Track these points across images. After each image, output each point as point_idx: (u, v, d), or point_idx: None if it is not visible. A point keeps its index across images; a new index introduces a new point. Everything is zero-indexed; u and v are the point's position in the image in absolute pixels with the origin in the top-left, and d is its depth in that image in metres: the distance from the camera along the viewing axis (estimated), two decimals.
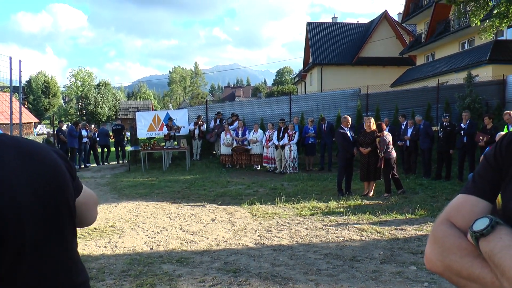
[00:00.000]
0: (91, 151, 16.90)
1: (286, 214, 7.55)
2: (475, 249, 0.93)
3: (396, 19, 36.16)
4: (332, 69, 33.01)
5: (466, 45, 24.37)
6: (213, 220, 7.33)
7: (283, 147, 13.23)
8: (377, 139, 8.88)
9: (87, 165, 16.34)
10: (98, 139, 17.30)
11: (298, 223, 6.92)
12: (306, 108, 16.30)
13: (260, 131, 14.40)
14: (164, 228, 6.85)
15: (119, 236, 6.41)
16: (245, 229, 6.66)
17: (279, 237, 6.16)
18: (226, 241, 6.02)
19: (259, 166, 14.26)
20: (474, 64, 19.49)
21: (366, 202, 8.48)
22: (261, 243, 5.87)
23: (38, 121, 43.30)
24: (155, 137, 15.98)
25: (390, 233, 6.17)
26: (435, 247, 1.00)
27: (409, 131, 11.82)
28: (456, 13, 21.56)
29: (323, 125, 13.77)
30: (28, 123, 32.50)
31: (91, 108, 48.47)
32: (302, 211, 7.77)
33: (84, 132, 16.01)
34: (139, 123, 16.21)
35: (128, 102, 50.07)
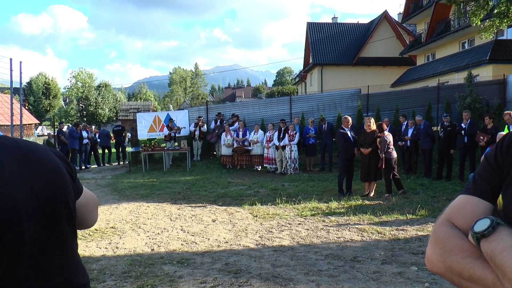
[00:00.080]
0: (92, 152, 16.91)
1: (287, 215, 7.55)
2: (476, 250, 0.93)
3: (396, 19, 36.16)
4: (333, 70, 33.01)
5: (466, 44, 24.36)
6: (214, 221, 7.33)
7: (283, 147, 13.22)
8: (378, 139, 8.88)
9: (88, 166, 16.35)
10: (99, 140, 17.32)
11: (299, 224, 6.92)
12: (307, 109, 16.30)
13: (260, 131, 14.40)
14: (165, 229, 6.85)
15: (120, 237, 6.41)
16: (246, 230, 6.66)
17: (280, 237, 6.15)
18: (227, 242, 6.01)
19: (260, 167, 14.26)
20: (474, 64, 19.48)
21: (367, 202, 8.47)
22: (262, 244, 5.87)
23: (39, 122, 43.34)
24: (155, 138, 15.99)
25: (391, 234, 6.16)
26: (436, 248, 1.00)
27: (410, 131, 11.82)
28: (456, 13, 21.56)
29: (323, 126, 13.77)
30: (28, 124, 32.52)
31: (91, 109, 48.49)
32: (303, 211, 7.76)
33: (84, 133, 16.02)
34: (140, 124, 16.22)
35: (129, 103, 50.09)
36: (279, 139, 13.32)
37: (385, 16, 33.77)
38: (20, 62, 11.05)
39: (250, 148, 14.24)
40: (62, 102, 64.20)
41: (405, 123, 12.26)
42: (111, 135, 18.19)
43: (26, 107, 44.30)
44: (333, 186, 10.13)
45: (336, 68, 33.03)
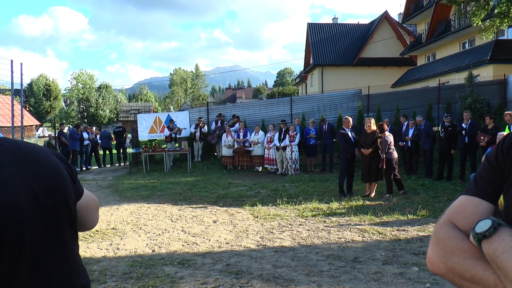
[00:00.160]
0: (93, 154, 16.92)
1: (287, 216, 7.54)
2: (477, 251, 0.92)
3: (397, 20, 36.15)
4: (333, 70, 33.01)
5: (467, 45, 24.35)
6: (214, 221, 7.32)
7: (284, 148, 13.22)
8: (379, 139, 8.87)
9: (89, 167, 16.36)
10: (100, 141, 17.34)
11: (300, 225, 6.91)
12: (307, 109, 16.29)
13: (261, 132, 14.41)
14: (165, 230, 6.85)
15: (121, 238, 6.41)
16: (246, 230, 6.66)
17: (281, 238, 6.15)
18: (227, 243, 6.01)
19: (261, 168, 14.26)
20: (475, 64, 19.48)
21: (367, 203, 8.47)
22: (263, 245, 5.86)
23: (40, 124, 43.37)
24: (156, 139, 15.99)
25: (392, 234, 6.15)
26: (438, 249, 1.00)
27: (410, 132, 11.81)
28: (457, 13, 21.55)
29: (324, 126, 13.76)
30: (29, 126, 32.55)
31: (92, 110, 48.53)
32: (303, 212, 7.76)
33: (85, 135, 16.04)
34: (140, 125, 16.22)
35: (129, 104, 50.18)
36: (280, 140, 13.32)
37: (385, 16, 33.77)
38: (21, 64, 11.05)
39: (250, 149, 14.24)
40: (63, 104, 64.26)
41: (406, 123, 12.25)
42: (112, 136, 18.20)
43: (27, 109, 44.34)
44: (334, 187, 10.12)
45: (336, 69, 33.04)
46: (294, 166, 13.15)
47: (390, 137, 8.97)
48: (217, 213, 7.95)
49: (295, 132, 13.24)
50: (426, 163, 11.46)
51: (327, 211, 7.79)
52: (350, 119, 9.64)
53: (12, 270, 1.06)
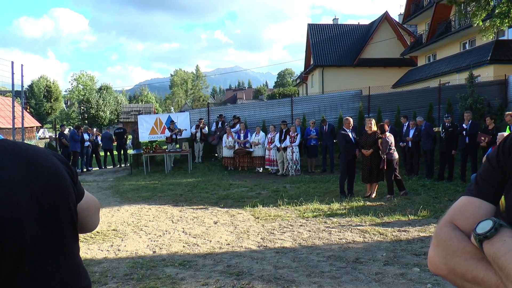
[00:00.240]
0: (93, 155, 16.93)
1: (288, 216, 7.54)
2: (479, 251, 0.92)
3: (397, 20, 36.17)
4: (334, 71, 33.01)
5: (467, 45, 24.34)
6: (215, 223, 7.32)
7: (285, 149, 13.22)
8: (379, 140, 8.87)
9: (89, 168, 16.37)
10: (101, 143, 17.35)
11: (301, 225, 6.91)
12: (308, 110, 16.29)
13: (262, 133, 14.41)
14: (166, 231, 6.85)
15: (122, 240, 6.41)
16: (247, 231, 6.65)
17: (281, 239, 6.15)
18: (228, 244, 6.01)
19: (261, 169, 14.26)
20: (475, 64, 19.47)
21: (368, 203, 8.46)
22: (263, 246, 5.86)
23: (40, 125, 43.38)
24: (157, 140, 15.99)
25: (393, 235, 6.15)
26: (439, 250, 1.00)
27: (411, 132, 11.80)
28: (457, 14, 21.55)
29: (324, 127, 13.75)
30: (30, 127, 32.56)
31: (93, 112, 48.59)
32: (304, 213, 7.75)
33: (86, 136, 16.05)
34: (141, 126, 16.22)
35: (130, 105, 50.17)
36: (281, 141, 13.32)
37: (385, 17, 33.78)
38: (22, 65, 11.07)
39: (251, 150, 14.24)
40: (64, 105, 64.33)
41: (406, 124, 12.25)
42: (113, 137, 18.21)
43: (28, 110, 44.36)
44: (334, 188, 10.12)
45: (337, 70, 33.04)
46: (294, 167, 13.15)
47: (390, 138, 8.97)
48: (218, 214, 7.95)
49: (296, 133, 13.23)
50: (426, 163, 11.45)
51: (328, 212, 7.79)
52: (351, 120, 9.63)
53: (13, 272, 1.06)
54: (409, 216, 7.20)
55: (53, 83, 57.78)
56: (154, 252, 5.75)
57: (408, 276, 4.49)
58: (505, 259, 0.84)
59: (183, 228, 6.99)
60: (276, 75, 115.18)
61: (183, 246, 5.95)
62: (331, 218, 7.34)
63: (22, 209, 1.07)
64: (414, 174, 11.73)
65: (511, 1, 13.73)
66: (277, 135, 13.53)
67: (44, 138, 35.02)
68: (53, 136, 18.61)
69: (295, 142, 13.11)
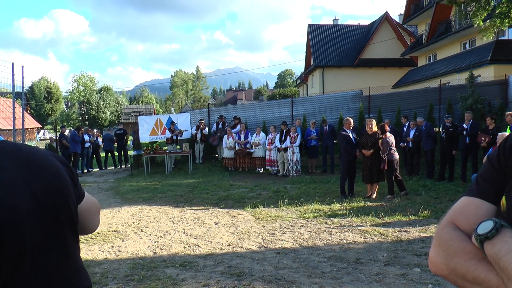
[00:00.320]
0: (94, 156, 16.93)
1: (289, 217, 7.54)
2: (480, 252, 0.92)
3: (397, 20, 36.17)
4: (334, 71, 33.01)
5: (467, 45, 24.33)
6: (216, 223, 7.32)
7: (285, 149, 13.21)
8: (380, 140, 8.87)
9: (90, 170, 16.37)
10: (103, 144, 17.35)
11: (302, 226, 6.91)
12: (308, 111, 16.29)
13: (262, 134, 14.41)
14: (167, 232, 6.85)
15: (122, 241, 6.41)
16: (248, 232, 6.65)
17: (282, 240, 6.14)
18: (229, 245, 6.01)
19: (262, 169, 14.25)
20: (476, 65, 19.47)
21: (369, 204, 8.46)
22: (264, 246, 5.86)
23: (41, 126, 43.43)
24: (157, 141, 16.00)
25: (393, 235, 6.14)
26: (440, 250, 1.00)
27: (412, 133, 11.80)
28: (457, 14, 21.55)
29: (325, 127, 13.75)
30: (30, 128, 32.59)
31: (93, 113, 48.61)
32: (305, 213, 7.75)
33: (86, 137, 16.05)
34: (141, 127, 16.22)
35: (130, 106, 50.19)
36: (281, 141, 13.31)
37: (386, 17, 33.78)
38: (22, 67, 11.07)
39: (252, 150, 14.24)
40: (64, 106, 64.34)
41: (407, 124, 12.25)
42: (114, 138, 18.22)
43: (28, 111, 44.42)
44: (335, 188, 10.11)
45: (337, 70, 33.04)
46: (295, 167, 13.15)
47: (391, 138, 8.96)
48: (218, 215, 7.95)
49: (296, 134, 13.23)
50: (427, 164, 11.44)
51: (329, 213, 7.78)
52: (351, 120, 9.63)
53: (13, 273, 1.06)
54: (410, 217, 7.20)
55: (53, 84, 57.81)
56: (155, 253, 5.75)
57: (409, 277, 4.49)
58: (506, 260, 0.83)
59: (184, 229, 6.99)
60: (277, 75, 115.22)
61: (184, 247, 5.95)
62: (331, 218, 7.33)
63: (22, 210, 1.07)
64: (415, 174, 11.73)
65: (511, 1, 13.72)
66: (278, 136, 13.52)
67: (45, 139, 35.04)
68: (54, 137, 18.60)
69: (295, 142, 13.10)
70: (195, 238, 6.41)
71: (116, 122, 48.29)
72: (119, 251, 5.88)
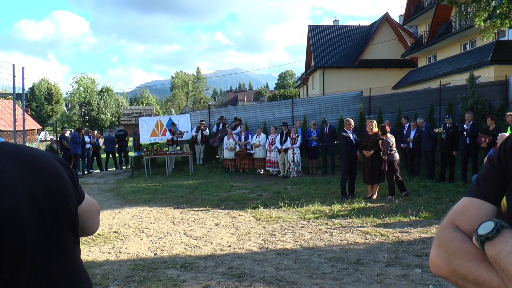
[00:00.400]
0: (94, 157, 16.93)
1: (290, 218, 7.53)
2: (480, 253, 0.92)
3: (398, 21, 36.17)
4: (334, 72, 33.02)
5: (468, 46, 24.33)
6: (216, 224, 7.32)
7: (286, 150, 13.21)
8: (380, 141, 8.86)
9: (90, 171, 16.37)
10: (104, 145, 17.36)
11: (302, 227, 6.90)
12: (309, 112, 16.29)
13: (262, 135, 14.40)
14: (168, 233, 6.85)
15: (123, 242, 6.41)
16: (249, 233, 6.65)
17: (283, 241, 6.14)
18: (230, 246, 6.00)
19: (262, 170, 14.25)
20: (476, 65, 19.45)
21: (370, 205, 8.45)
22: (265, 247, 5.86)
23: (41, 128, 43.47)
24: (158, 143, 16.00)
25: (394, 236, 6.14)
26: (440, 251, 1.00)
27: (412, 133, 11.80)
28: (458, 14, 21.55)
29: (325, 128, 13.75)
30: (31, 130, 32.61)
31: (93, 114, 48.62)
32: (306, 214, 7.75)
33: (87, 138, 16.05)
34: (142, 128, 16.23)
35: (131, 107, 50.26)
36: (281, 142, 13.31)
37: (386, 18, 33.79)
38: (23, 68, 11.08)
39: (252, 151, 14.24)
40: (65, 108, 64.36)
41: (407, 125, 12.25)
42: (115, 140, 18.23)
43: (29, 113, 44.44)
44: (336, 189, 10.11)
45: (337, 71, 33.04)
46: (296, 168, 13.15)
47: (392, 139, 8.96)
48: (219, 216, 7.94)
49: (297, 135, 13.23)
50: (427, 164, 11.44)
51: (329, 213, 7.78)
52: (352, 121, 9.63)
53: (13, 274, 1.06)
54: (411, 217, 7.19)
55: (54, 86, 57.85)
56: (156, 254, 5.75)
57: (410, 277, 4.49)
58: (507, 261, 0.83)
59: (184, 230, 6.99)
60: (277, 76, 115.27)
61: (184, 248, 5.95)
62: (332, 219, 7.33)
63: (23, 211, 1.07)
64: (415, 175, 11.72)
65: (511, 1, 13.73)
66: (278, 137, 13.52)
67: (45, 140, 35.08)
68: (54, 139, 18.62)
69: (296, 143, 13.10)
70: (196, 239, 6.40)
71: (117, 123, 48.32)
72: (120, 252, 5.88)
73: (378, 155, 8.90)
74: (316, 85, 34.74)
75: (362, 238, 6.11)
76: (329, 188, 10.57)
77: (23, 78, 11.05)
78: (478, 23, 14.85)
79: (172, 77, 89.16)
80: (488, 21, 15.11)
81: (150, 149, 14.86)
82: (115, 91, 65.99)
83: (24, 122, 11.93)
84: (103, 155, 17.73)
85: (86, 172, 16.05)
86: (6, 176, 1.09)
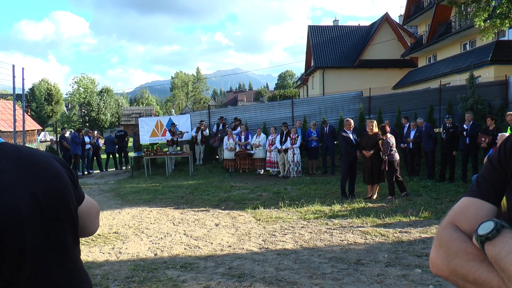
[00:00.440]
0: (94, 158, 16.93)
1: (290, 218, 7.53)
2: (480, 253, 0.92)
3: (397, 21, 36.16)
4: (334, 72, 33.02)
5: (467, 46, 24.33)
6: (216, 225, 7.32)
7: (286, 151, 13.21)
8: (380, 141, 8.86)
9: (90, 171, 16.37)
10: (105, 146, 17.35)
11: (302, 227, 6.90)
12: (309, 112, 16.29)
13: (262, 135, 14.40)
14: (167, 233, 6.84)
15: (123, 242, 6.41)
16: (249, 233, 6.65)
17: (283, 241, 6.14)
18: (230, 246, 6.00)
19: (262, 171, 14.25)
20: (476, 65, 19.45)
21: (370, 205, 8.45)
22: (265, 248, 5.85)
23: (41, 128, 43.45)
24: (158, 143, 16.00)
25: (394, 236, 6.14)
26: (440, 251, 0.99)
27: (412, 133, 11.80)
28: (458, 14, 21.55)
29: (325, 128, 13.75)
30: (31, 130, 32.60)
31: (93, 114, 48.65)
32: (306, 214, 7.75)
33: (87, 139, 16.05)
34: (142, 129, 16.23)
35: (131, 108, 50.22)
36: (281, 143, 13.31)
37: (386, 18, 33.79)
38: (23, 69, 11.08)
39: (252, 151, 14.24)
40: (65, 108, 64.40)
41: (407, 125, 12.25)
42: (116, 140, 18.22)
43: (29, 113, 44.44)
44: (336, 189, 10.11)
45: (337, 71, 33.04)
46: (296, 168, 13.15)
47: (392, 139, 8.96)
48: (219, 216, 7.94)
49: (297, 135, 13.23)
50: (427, 164, 11.44)
51: (329, 214, 7.78)
52: (352, 121, 9.63)
53: (13, 274, 1.06)
54: (411, 217, 7.19)
55: (54, 86, 57.87)
56: (156, 254, 5.74)
57: (410, 278, 4.49)
58: (507, 261, 0.83)
59: (184, 231, 6.99)
60: (277, 77, 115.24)
61: (185, 249, 5.95)
62: (332, 219, 7.33)
63: (23, 211, 1.07)
64: (415, 175, 11.72)
65: (511, 1, 13.73)
66: (278, 137, 13.52)
67: (45, 141, 35.07)
68: (54, 139, 18.61)
69: (296, 143, 13.10)
70: (196, 240, 6.40)
71: (117, 123, 48.33)
72: (120, 252, 5.87)
73: (378, 155, 8.90)
74: (316, 85, 34.74)
75: (362, 238, 6.11)
76: (329, 188, 10.56)
77: (23, 79, 11.05)
78: (478, 23, 14.86)
79: (172, 78, 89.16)
80: (488, 21, 15.11)
81: (150, 149, 14.86)
82: (115, 91, 66.12)
83: (24, 122, 11.94)
84: (103, 156, 17.73)
85: (86, 172, 16.04)
86: (6, 177, 1.09)
